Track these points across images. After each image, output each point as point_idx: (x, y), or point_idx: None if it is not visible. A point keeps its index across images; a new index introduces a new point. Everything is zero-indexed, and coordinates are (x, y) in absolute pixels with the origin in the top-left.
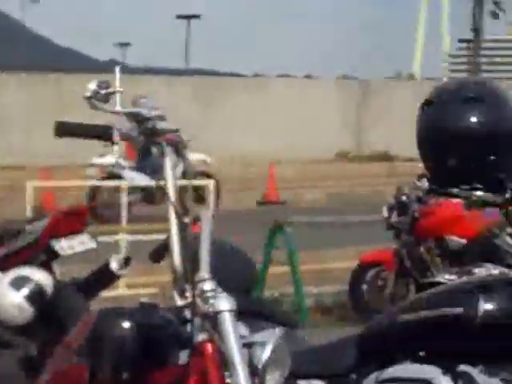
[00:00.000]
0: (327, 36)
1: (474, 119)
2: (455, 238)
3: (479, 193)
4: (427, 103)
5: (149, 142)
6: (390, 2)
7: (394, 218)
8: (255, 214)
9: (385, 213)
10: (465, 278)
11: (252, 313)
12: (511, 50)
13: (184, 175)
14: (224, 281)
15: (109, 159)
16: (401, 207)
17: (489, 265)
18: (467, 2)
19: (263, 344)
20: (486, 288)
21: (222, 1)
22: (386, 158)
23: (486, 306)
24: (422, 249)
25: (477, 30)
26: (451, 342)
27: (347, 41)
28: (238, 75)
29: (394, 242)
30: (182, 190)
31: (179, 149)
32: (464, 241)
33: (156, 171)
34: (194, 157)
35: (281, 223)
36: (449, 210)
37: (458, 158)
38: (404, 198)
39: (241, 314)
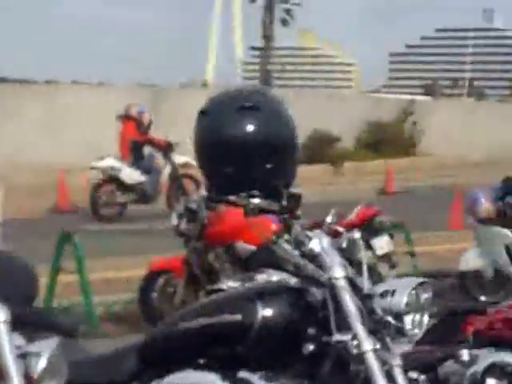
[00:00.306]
0: (122, 42)
1: (248, 128)
2: (244, 245)
3: (257, 200)
4: (203, 112)
5: (141, 145)
6: (184, 8)
7: (184, 225)
8: (47, 222)
9: (174, 220)
10: (247, 285)
11: (29, 323)
12: (302, 58)
13: (171, 176)
14: (1, 291)
15: (107, 162)
16: (190, 214)
17: (271, 271)
18: (258, 8)
19: (39, 354)
20: (264, 295)
21: (12, 4)
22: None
23: (264, 312)
24: (211, 256)
25: (267, 38)
26: (230, 348)
27: (142, 47)
28: (28, 82)
29: (185, 249)
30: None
31: (167, 152)
32: (253, 247)
33: (148, 172)
34: (178, 159)
35: (69, 232)
36: (235, 217)
37: (235, 167)
38: (193, 204)
39: (18, 325)
